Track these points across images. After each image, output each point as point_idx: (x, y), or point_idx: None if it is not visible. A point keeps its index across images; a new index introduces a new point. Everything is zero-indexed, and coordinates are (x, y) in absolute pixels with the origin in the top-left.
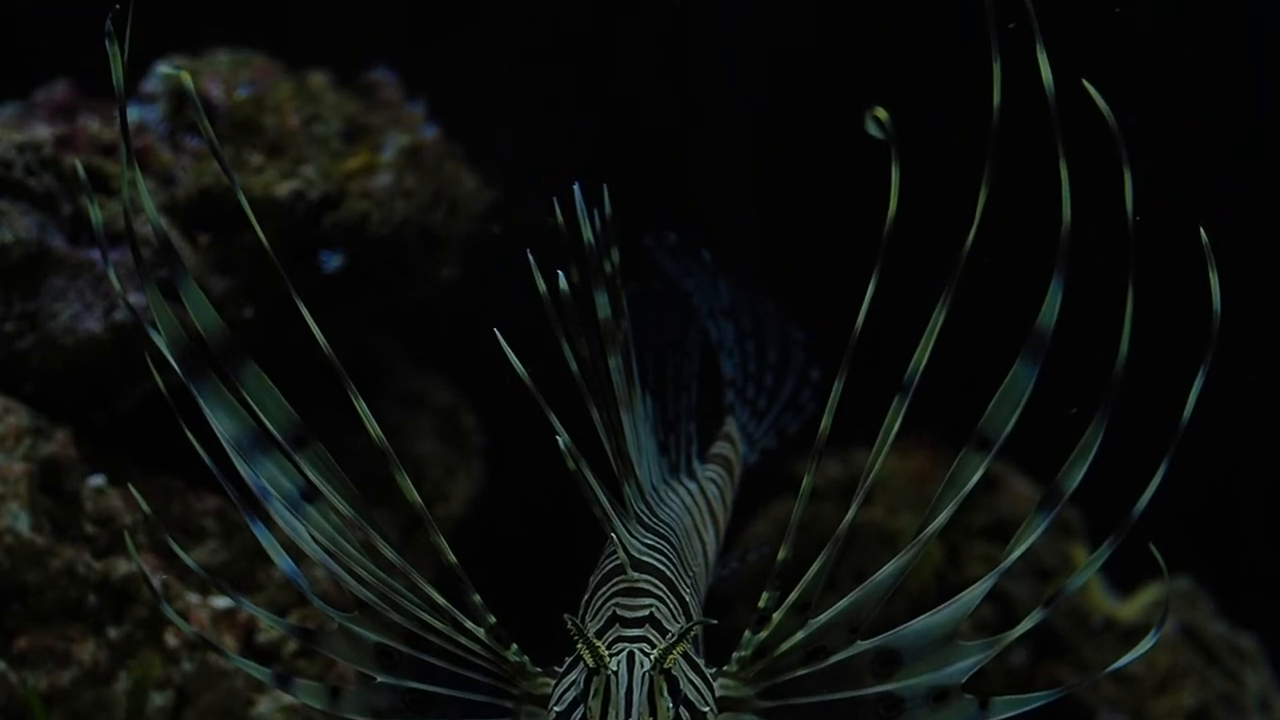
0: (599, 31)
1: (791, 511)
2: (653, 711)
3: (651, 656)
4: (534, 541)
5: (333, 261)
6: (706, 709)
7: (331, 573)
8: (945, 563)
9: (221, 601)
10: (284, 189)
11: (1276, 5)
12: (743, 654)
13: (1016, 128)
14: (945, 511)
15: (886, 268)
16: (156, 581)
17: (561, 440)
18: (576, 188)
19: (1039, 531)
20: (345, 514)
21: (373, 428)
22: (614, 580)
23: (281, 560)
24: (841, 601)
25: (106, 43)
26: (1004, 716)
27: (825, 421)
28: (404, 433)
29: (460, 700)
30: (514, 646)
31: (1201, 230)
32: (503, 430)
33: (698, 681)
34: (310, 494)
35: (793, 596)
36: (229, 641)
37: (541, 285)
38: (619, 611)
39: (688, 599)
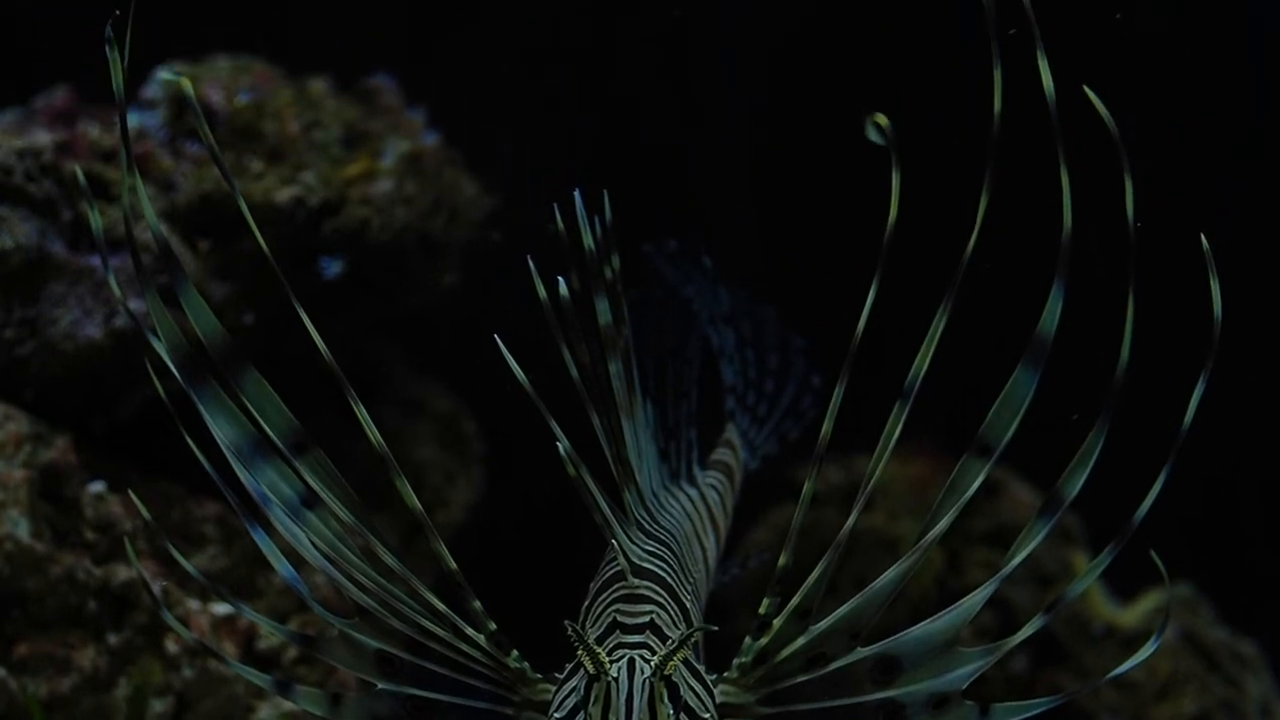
0: (599, 33)
1: (792, 518)
2: (653, 718)
3: (652, 663)
4: (534, 548)
5: (333, 268)
6: (707, 715)
7: (332, 579)
8: (946, 569)
9: (222, 608)
10: (284, 195)
11: (1277, 5)
12: (743, 660)
13: (1017, 132)
14: (946, 518)
15: (887, 273)
16: (157, 588)
17: (562, 446)
18: (577, 194)
19: (1040, 538)
20: (345, 520)
21: (373, 434)
22: (614, 586)
23: (282, 566)
24: (842, 608)
25: (107, 49)
26: None
27: (826, 428)
28: (404, 439)
29: (461, 707)
30: (514, 653)
31: (1203, 237)
32: (503, 436)
33: (698, 688)
34: (310, 500)
35: (793, 603)
36: (229, 648)
37: (542, 291)
38: (619, 618)
39: (688, 605)
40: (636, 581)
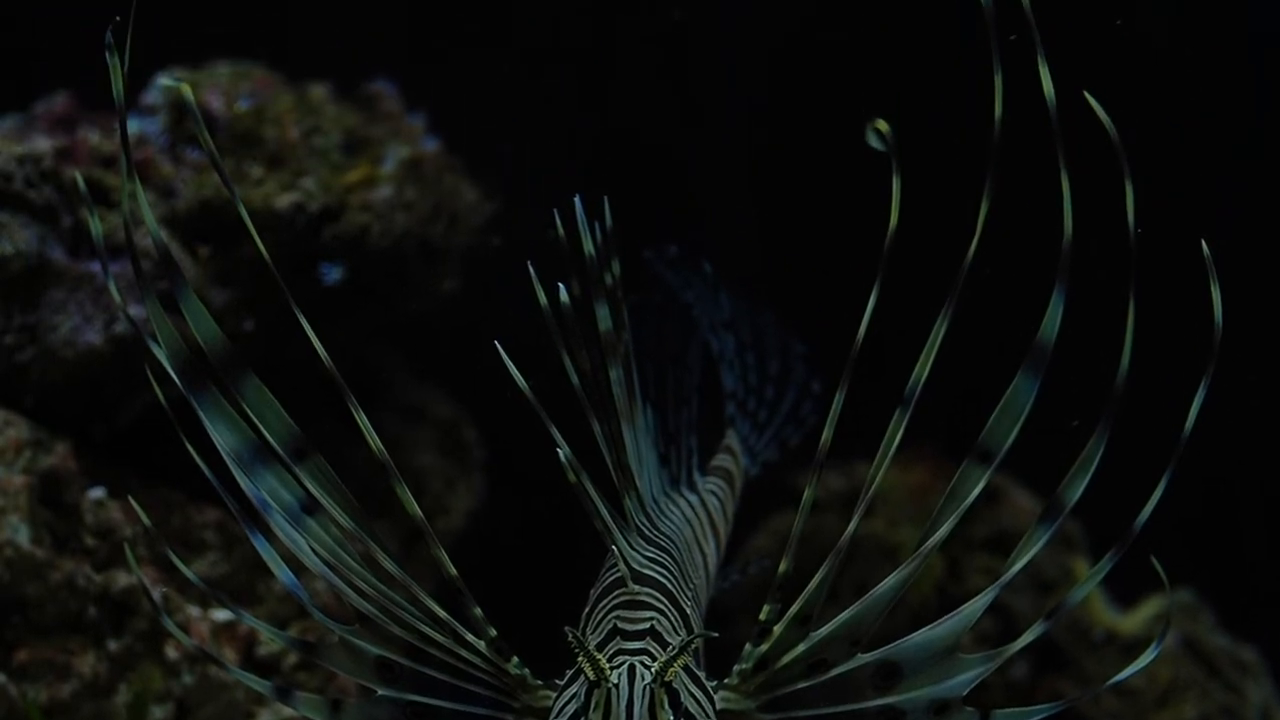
0: (599, 34)
1: (793, 524)
2: None
3: (652, 669)
4: (534, 554)
5: (333, 274)
6: None
7: (332, 585)
8: (946, 575)
9: (222, 614)
10: (284, 201)
11: (1276, 7)
12: (744, 666)
13: (1018, 137)
14: (946, 524)
15: (888, 279)
16: (157, 594)
17: (562, 453)
18: (577, 200)
19: (1040, 544)
20: (345, 526)
21: (373, 440)
22: (615, 593)
23: (282, 573)
24: (843, 614)
25: (107, 55)
26: None
27: (826, 434)
28: (404, 445)
29: (461, 713)
30: (515, 659)
31: (1203, 244)
32: (503, 443)
33: (699, 694)
34: (310, 506)
35: (794, 609)
36: (229, 654)
37: (542, 297)
38: (620, 624)
39: (689, 611)
40: (637, 588)
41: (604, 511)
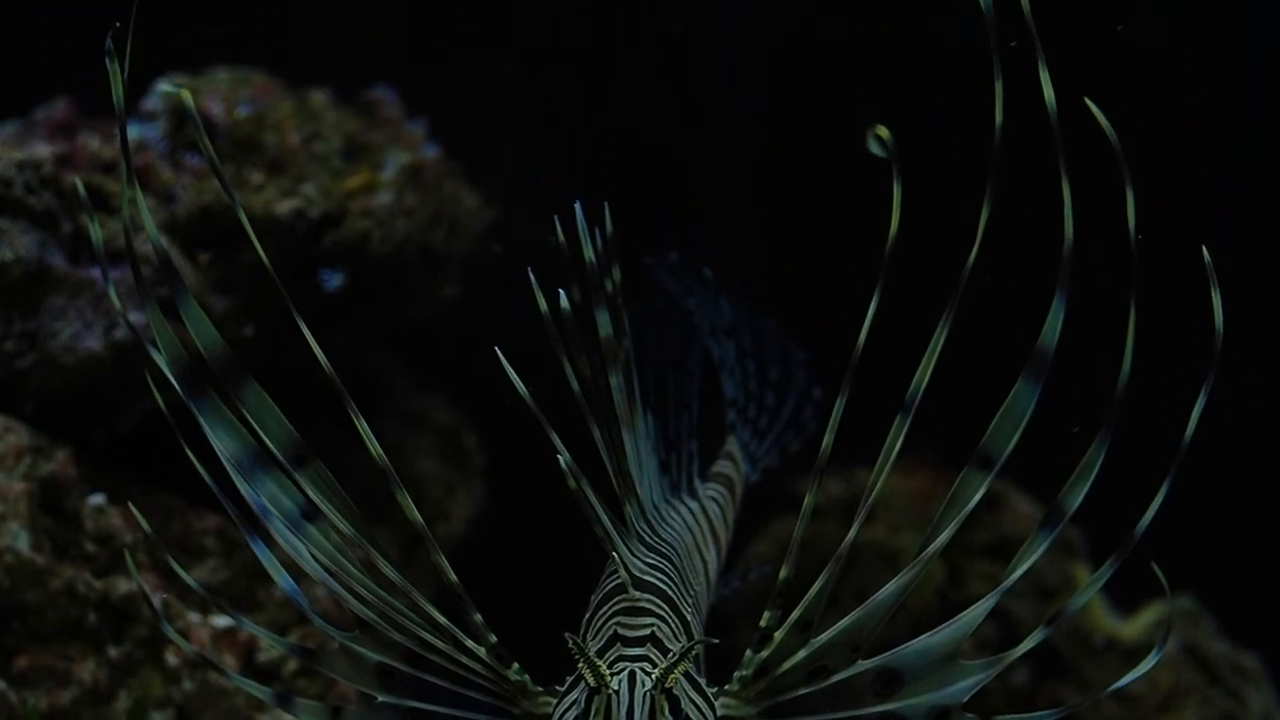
0: (599, 35)
1: (793, 530)
2: None
3: (653, 676)
4: (535, 561)
5: (333, 280)
6: None
7: (332, 592)
8: (947, 582)
9: (222, 620)
10: (284, 207)
11: (1276, 8)
12: (744, 673)
13: (1019, 141)
14: (947, 530)
15: (888, 285)
16: (157, 600)
17: (563, 459)
18: (578, 206)
19: (1041, 550)
20: (346, 533)
21: (373, 446)
22: (615, 599)
23: (282, 579)
24: (843, 620)
25: (106, 61)
26: None
27: (827, 440)
28: (405, 452)
29: (461, 719)
30: (515, 666)
31: (1204, 250)
32: (504, 449)
33: (699, 701)
34: (311, 513)
35: (794, 615)
36: (229, 660)
37: (543, 304)
38: (620, 631)
39: (689, 618)
40: (637, 594)
41: (604, 518)
